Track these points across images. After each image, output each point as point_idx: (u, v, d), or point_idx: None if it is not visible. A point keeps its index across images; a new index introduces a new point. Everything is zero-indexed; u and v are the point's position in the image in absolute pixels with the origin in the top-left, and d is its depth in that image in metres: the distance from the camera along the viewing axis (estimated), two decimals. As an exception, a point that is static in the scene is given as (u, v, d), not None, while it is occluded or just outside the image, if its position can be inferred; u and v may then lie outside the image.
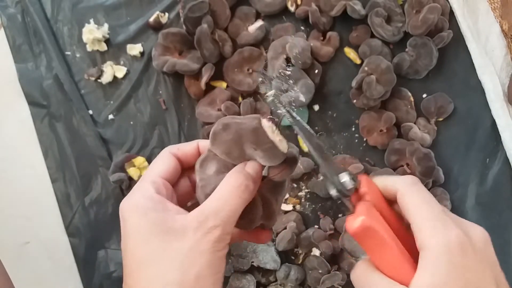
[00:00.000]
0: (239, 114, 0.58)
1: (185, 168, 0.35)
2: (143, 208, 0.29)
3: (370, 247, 0.29)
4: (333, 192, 0.31)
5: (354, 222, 0.28)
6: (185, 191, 0.35)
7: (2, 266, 0.59)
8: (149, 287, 0.27)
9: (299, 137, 0.60)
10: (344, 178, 0.31)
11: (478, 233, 0.28)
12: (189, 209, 0.31)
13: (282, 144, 0.31)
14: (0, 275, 0.58)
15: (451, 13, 0.61)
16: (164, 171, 0.32)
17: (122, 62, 0.61)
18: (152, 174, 0.32)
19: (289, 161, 0.33)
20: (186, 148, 0.35)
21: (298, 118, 0.33)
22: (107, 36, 0.61)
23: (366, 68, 0.57)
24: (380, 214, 0.29)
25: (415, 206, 0.28)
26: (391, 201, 0.32)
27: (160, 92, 0.61)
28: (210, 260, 0.28)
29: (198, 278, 0.27)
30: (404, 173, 0.58)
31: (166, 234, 0.28)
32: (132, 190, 0.31)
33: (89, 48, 0.61)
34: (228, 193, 0.30)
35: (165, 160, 0.33)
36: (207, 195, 0.30)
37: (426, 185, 0.59)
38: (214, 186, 0.31)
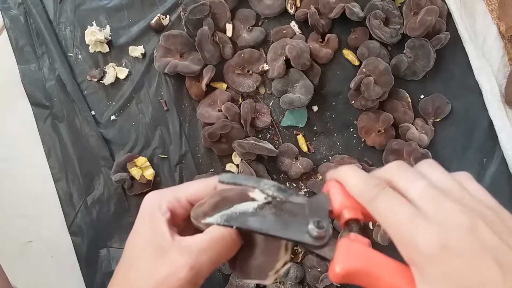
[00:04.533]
0: (239, 115, 0.58)
1: None
2: (153, 217, 0.32)
3: (365, 283, 0.27)
4: (314, 249, 0.28)
5: (334, 273, 0.26)
6: None
7: (0, 267, 0.60)
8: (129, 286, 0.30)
9: (298, 137, 0.61)
10: (314, 232, 0.28)
11: (458, 222, 0.23)
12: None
13: (282, 267, 0.30)
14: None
15: (449, 14, 0.62)
16: (195, 194, 0.34)
17: (124, 64, 0.62)
18: (182, 193, 0.34)
19: None
20: None
21: (238, 213, 0.30)
22: (109, 38, 0.61)
23: (364, 70, 0.58)
24: (361, 242, 0.27)
25: (383, 221, 0.26)
26: None
27: (162, 93, 0.62)
28: None
29: None
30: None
31: (159, 250, 0.30)
32: (161, 192, 0.33)
33: (91, 49, 0.61)
34: (218, 237, 0.30)
35: (204, 187, 0.34)
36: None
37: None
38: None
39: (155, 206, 0.32)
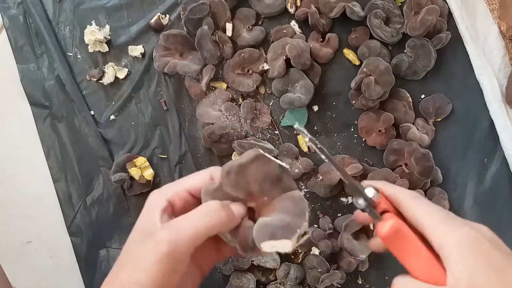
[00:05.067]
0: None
1: None
2: (150, 211, 0.33)
3: (402, 251, 0.30)
4: (361, 202, 0.33)
5: (384, 226, 0.30)
6: None
7: (0, 267, 0.60)
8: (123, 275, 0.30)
9: (298, 137, 0.61)
10: (370, 192, 0.34)
11: (484, 229, 0.30)
12: None
13: (303, 236, 0.32)
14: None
15: (450, 14, 0.62)
16: (194, 185, 0.35)
17: (123, 63, 0.62)
18: (182, 185, 0.35)
19: None
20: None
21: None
22: (109, 37, 0.61)
23: (365, 69, 0.58)
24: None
25: (422, 214, 0.30)
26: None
27: (161, 92, 0.61)
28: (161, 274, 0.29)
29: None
30: (402, 173, 0.59)
31: (147, 235, 0.30)
32: (161, 190, 0.34)
33: (90, 49, 0.61)
34: (207, 210, 0.32)
35: (202, 177, 0.35)
36: None
37: (424, 185, 0.59)
38: None
39: (154, 203, 0.33)
